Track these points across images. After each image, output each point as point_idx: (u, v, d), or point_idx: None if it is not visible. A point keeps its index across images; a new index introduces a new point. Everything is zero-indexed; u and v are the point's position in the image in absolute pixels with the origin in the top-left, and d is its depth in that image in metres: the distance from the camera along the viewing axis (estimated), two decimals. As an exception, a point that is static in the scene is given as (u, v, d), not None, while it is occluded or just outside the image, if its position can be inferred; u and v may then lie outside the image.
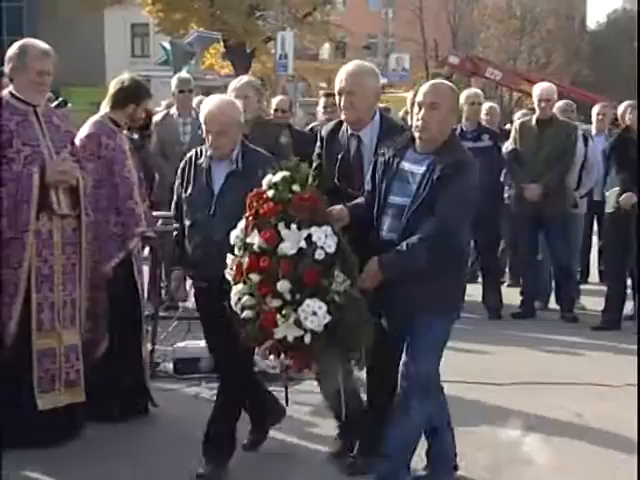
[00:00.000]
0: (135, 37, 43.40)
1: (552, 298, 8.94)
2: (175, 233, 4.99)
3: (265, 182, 4.29)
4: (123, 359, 5.45)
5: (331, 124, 5.15)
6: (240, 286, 4.22)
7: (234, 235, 4.29)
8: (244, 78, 7.04)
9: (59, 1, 32.98)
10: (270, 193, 4.22)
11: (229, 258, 4.34)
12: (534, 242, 8.80)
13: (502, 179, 8.83)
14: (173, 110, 8.39)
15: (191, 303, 5.32)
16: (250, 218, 4.23)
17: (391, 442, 4.41)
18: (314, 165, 4.98)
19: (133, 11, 33.85)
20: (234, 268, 4.26)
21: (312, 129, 9.33)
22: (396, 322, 4.50)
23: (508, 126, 10.91)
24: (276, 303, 4.09)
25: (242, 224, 4.27)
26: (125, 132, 5.86)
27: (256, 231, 4.18)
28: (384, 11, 36.37)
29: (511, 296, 8.92)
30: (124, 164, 5.52)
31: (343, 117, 4.94)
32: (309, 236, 4.12)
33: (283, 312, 4.06)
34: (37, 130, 4.98)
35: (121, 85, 5.70)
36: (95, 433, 5.13)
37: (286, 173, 4.26)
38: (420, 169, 4.40)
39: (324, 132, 5.13)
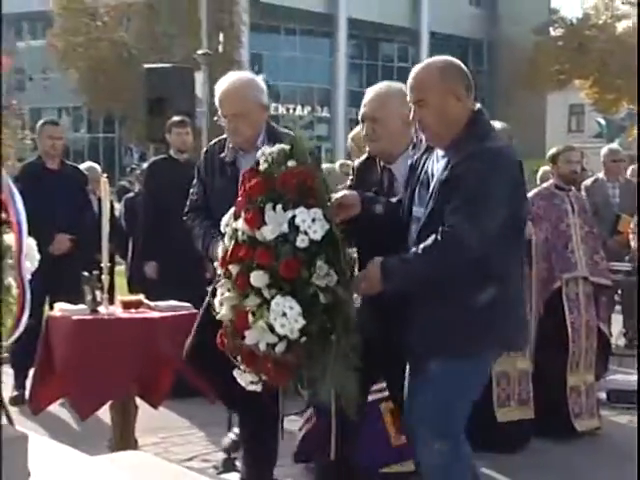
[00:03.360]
0: (572, 115, 42.82)
1: None
2: (202, 232, 3.69)
3: (259, 154, 2.96)
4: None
5: (363, 157, 3.75)
6: (224, 280, 2.96)
7: (224, 221, 3.02)
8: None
9: (510, 88, 33.88)
10: (261, 167, 2.93)
11: (219, 247, 3.06)
12: None
13: None
14: (601, 175, 8.14)
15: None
16: (240, 199, 2.95)
17: None
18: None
19: (571, 94, 33.60)
20: (220, 259, 2.99)
21: None
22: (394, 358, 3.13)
23: None
24: (252, 300, 2.78)
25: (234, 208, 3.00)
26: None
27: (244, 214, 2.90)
28: None
29: None
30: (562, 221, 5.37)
31: (367, 148, 3.61)
32: (293, 218, 2.78)
33: (255, 311, 2.77)
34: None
35: None
36: (540, 445, 5.06)
37: (286, 146, 2.93)
38: (440, 171, 2.98)
39: (357, 162, 3.77)
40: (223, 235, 3.01)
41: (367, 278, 2.90)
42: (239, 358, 2.90)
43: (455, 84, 3.01)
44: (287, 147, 2.90)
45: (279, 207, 2.79)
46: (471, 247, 2.85)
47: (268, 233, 2.77)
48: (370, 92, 3.56)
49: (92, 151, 36.23)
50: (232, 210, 2.97)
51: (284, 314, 2.69)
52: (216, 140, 3.83)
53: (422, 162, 3.10)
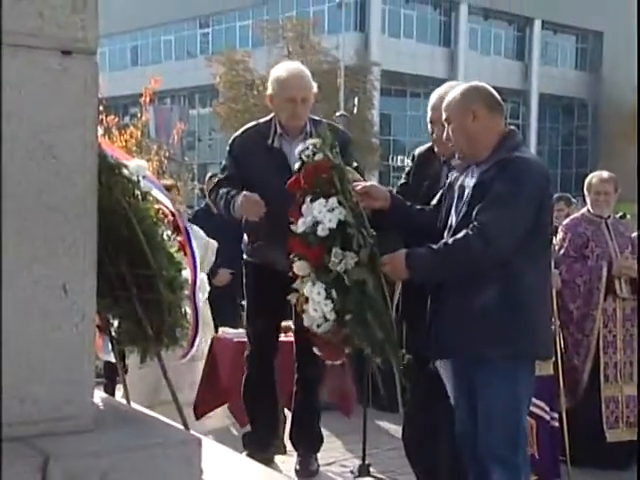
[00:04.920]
0: (672, 164, 40.91)
1: None
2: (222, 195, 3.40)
3: (297, 151, 2.75)
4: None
5: (426, 146, 3.30)
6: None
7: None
8: None
9: (612, 142, 32.69)
10: (296, 165, 2.73)
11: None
12: None
13: None
14: None
15: None
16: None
17: None
18: (400, 182, 3.36)
19: (671, 144, 32.02)
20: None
21: None
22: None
23: None
24: (305, 287, 2.64)
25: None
26: None
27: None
28: None
29: None
30: None
31: (436, 150, 3.15)
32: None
33: (300, 296, 2.66)
34: (606, 236, 4.89)
35: None
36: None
37: (316, 140, 2.70)
38: (472, 182, 2.74)
39: (417, 151, 3.35)
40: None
41: (391, 260, 2.65)
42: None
43: (473, 103, 2.77)
44: (318, 141, 2.69)
45: (308, 200, 2.66)
46: (499, 245, 2.59)
47: (300, 225, 2.65)
48: (438, 94, 3.20)
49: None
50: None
51: (313, 299, 2.57)
52: (249, 127, 3.57)
53: (460, 178, 2.85)
